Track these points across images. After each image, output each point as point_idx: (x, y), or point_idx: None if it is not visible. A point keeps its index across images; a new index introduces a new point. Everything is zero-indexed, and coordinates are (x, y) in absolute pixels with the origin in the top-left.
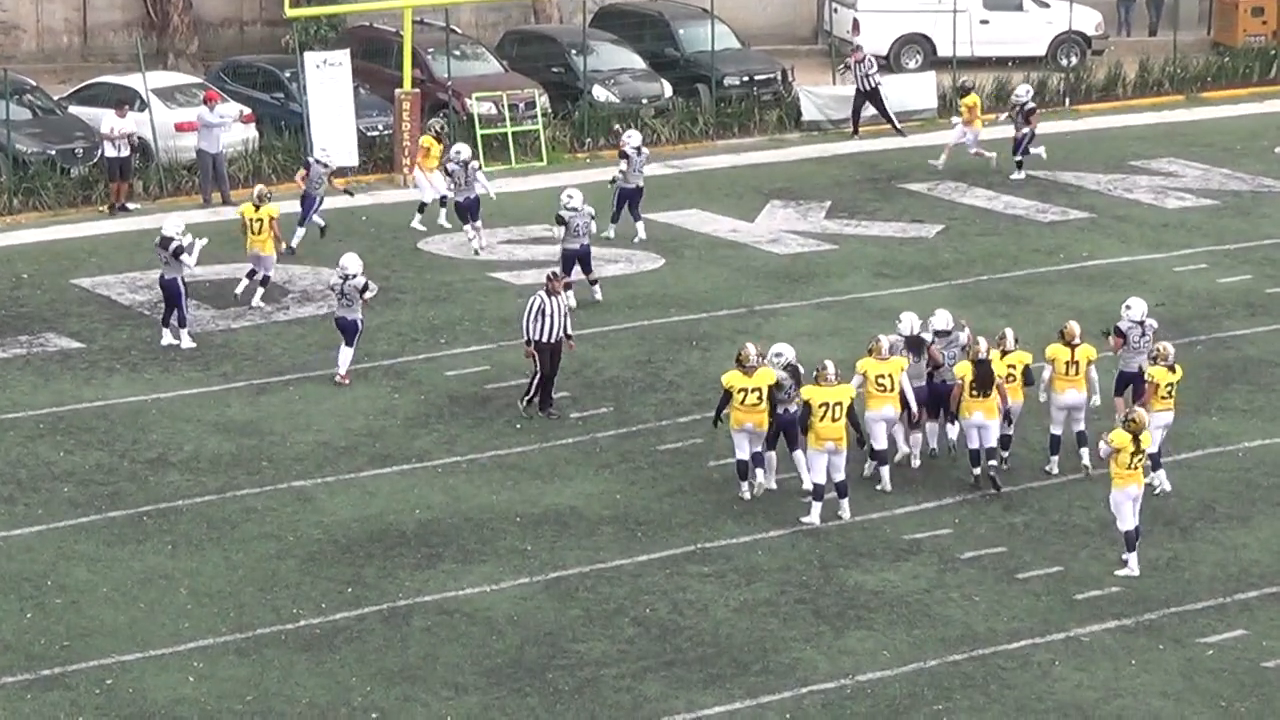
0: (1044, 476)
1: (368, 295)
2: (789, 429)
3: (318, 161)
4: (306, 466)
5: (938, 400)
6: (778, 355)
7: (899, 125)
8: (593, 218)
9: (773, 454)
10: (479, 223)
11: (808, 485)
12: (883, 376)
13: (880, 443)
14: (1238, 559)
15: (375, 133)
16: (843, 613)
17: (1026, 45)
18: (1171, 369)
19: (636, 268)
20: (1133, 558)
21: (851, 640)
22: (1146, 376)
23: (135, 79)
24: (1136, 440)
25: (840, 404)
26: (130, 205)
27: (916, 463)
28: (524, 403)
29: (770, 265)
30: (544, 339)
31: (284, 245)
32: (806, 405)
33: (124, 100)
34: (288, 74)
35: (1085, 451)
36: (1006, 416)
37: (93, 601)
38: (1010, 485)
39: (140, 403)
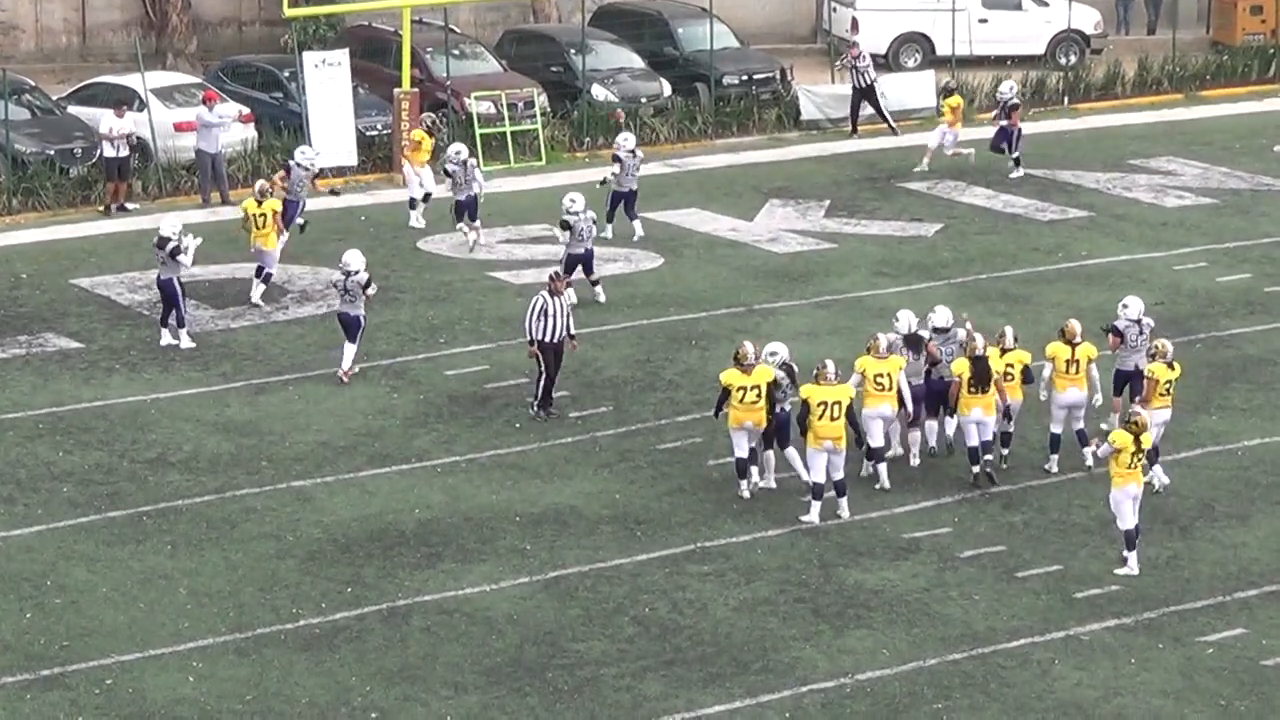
0: (1043, 475)
1: (370, 292)
2: (783, 427)
3: (298, 164)
4: (306, 466)
5: (936, 397)
6: (772, 354)
7: (894, 124)
8: (594, 222)
9: (770, 453)
10: (477, 222)
11: (805, 479)
12: (881, 375)
13: (877, 440)
14: (1237, 557)
15: (374, 132)
16: (842, 612)
17: (1025, 44)
18: (1171, 366)
19: (635, 267)
20: (1132, 556)
21: (851, 639)
22: (1146, 373)
23: (134, 79)
24: (1138, 440)
25: (839, 403)
26: (129, 205)
27: (915, 461)
28: (535, 406)
29: (769, 264)
30: (547, 339)
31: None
32: (805, 404)
33: (123, 100)
34: (287, 74)
35: (1088, 451)
36: (1006, 414)
37: (92, 601)
38: (1010, 484)
39: (139, 403)
